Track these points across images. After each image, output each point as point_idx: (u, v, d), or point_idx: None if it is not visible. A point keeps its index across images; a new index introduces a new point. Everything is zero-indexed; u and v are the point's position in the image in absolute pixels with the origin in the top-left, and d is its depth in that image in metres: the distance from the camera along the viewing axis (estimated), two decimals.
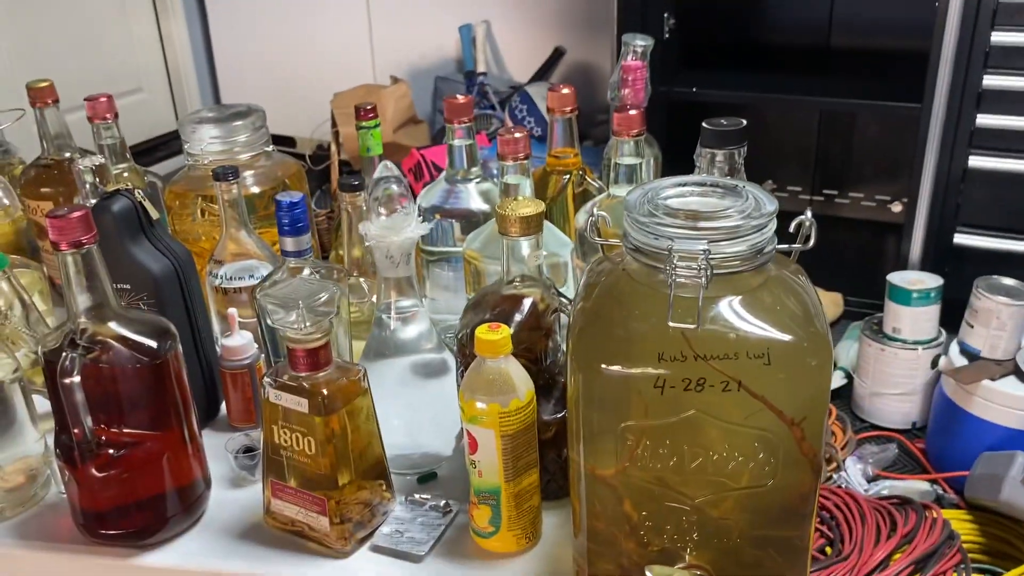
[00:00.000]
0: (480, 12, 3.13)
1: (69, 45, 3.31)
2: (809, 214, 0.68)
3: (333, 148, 2.61)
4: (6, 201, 1.03)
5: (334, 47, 3.46)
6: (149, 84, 3.68)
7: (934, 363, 1.89)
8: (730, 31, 2.60)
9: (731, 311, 0.65)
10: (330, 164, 2.56)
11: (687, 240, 0.64)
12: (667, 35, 2.19)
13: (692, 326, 0.63)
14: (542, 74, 3.03)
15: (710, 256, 0.63)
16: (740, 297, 0.65)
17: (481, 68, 3.08)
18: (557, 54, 3.03)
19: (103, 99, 1.15)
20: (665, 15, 2.17)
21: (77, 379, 0.76)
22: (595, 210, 0.73)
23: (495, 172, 1.16)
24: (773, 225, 0.66)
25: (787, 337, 0.64)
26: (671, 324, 0.63)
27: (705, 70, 2.38)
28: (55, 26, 3.28)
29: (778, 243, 0.67)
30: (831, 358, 0.66)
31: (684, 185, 0.70)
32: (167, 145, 3.67)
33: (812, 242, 0.68)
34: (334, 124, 2.78)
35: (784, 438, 0.66)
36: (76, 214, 0.75)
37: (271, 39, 3.59)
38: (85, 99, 1.15)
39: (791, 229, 0.68)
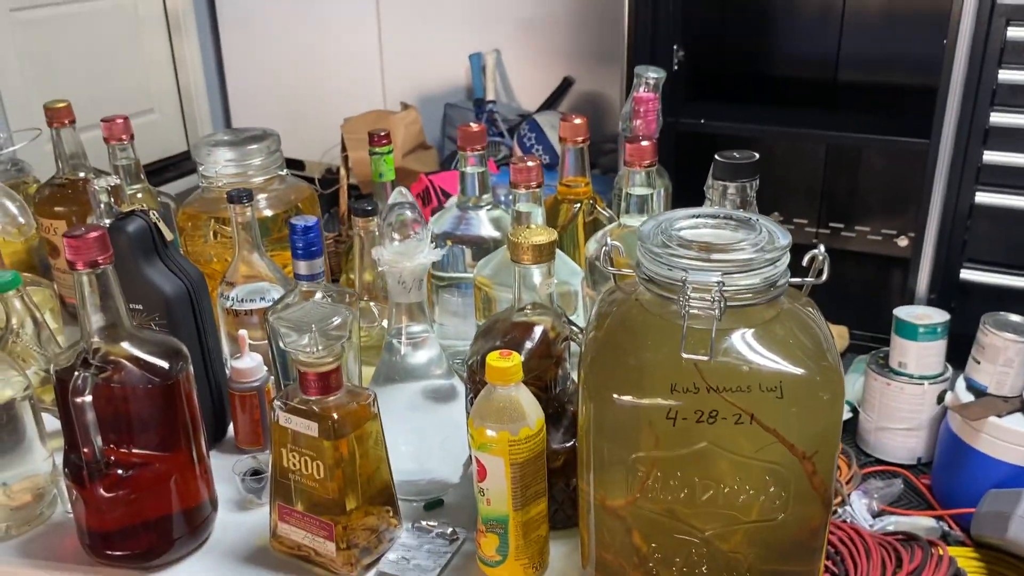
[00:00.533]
0: (491, 41, 3.16)
1: (83, 65, 3.34)
2: (822, 248, 0.68)
3: (342, 172, 2.62)
4: (21, 220, 1.03)
5: (345, 72, 3.50)
6: (161, 105, 3.71)
7: (940, 398, 1.88)
8: (739, 64, 2.62)
9: (744, 344, 0.65)
10: (339, 188, 2.57)
11: (701, 272, 0.64)
12: (676, 67, 2.21)
13: (705, 358, 0.63)
14: (551, 103, 3.06)
15: (724, 288, 0.63)
16: (753, 330, 0.66)
17: (491, 96, 3.10)
18: (566, 83, 3.06)
19: (119, 120, 1.17)
20: (674, 47, 2.19)
21: (89, 398, 0.76)
22: (608, 239, 0.73)
23: (503, 199, 1.17)
24: (786, 259, 0.67)
25: (799, 371, 0.65)
26: (684, 355, 0.63)
27: (713, 102, 2.40)
28: (70, 46, 3.32)
29: (790, 276, 0.67)
30: (843, 392, 0.66)
31: (698, 217, 0.70)
32: (177, 166, 3.70)
33: (825, 276, 0.68)
34: (344, 148, 2.80)
35: (795, 472, 0.66)
36: (93, 234, 0.76)
37: (283, 63, 3.63)
38: (102, 120, 1.16)
39: (804, 263, 0.69)
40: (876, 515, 1.74)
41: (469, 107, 3.15)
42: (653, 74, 1.11)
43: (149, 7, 3.62)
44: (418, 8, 3.28)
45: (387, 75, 3.44)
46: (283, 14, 3.56)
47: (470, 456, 0.92)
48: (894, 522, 1.72)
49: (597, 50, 3.02)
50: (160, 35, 3.67)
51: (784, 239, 0.66)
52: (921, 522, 1.72)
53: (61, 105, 1.23)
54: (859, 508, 1.73)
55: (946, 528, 1.71)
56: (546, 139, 2.81)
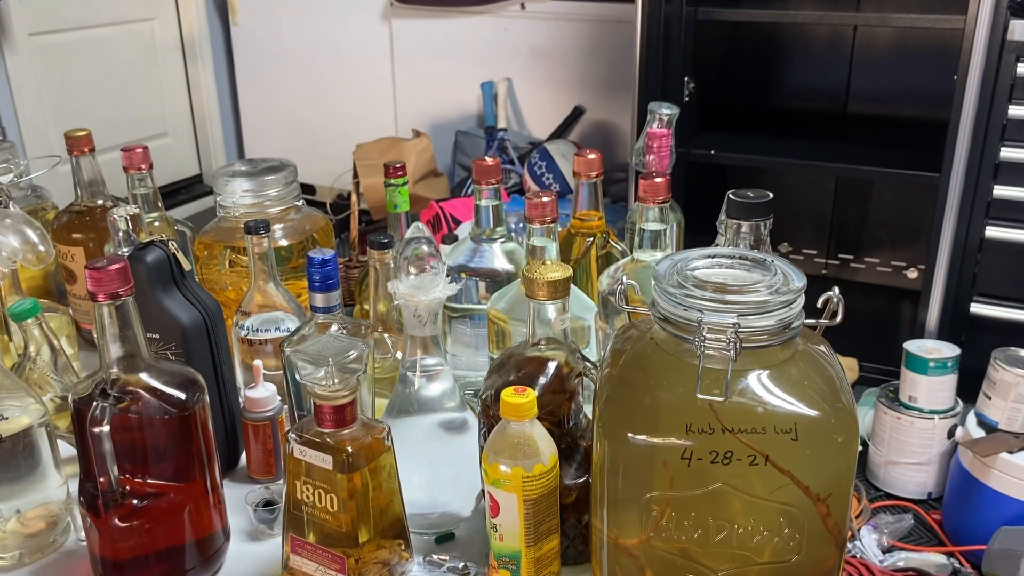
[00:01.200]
0: (502, 69, 3.20)
1: (99, 89, 3.38)
2: (837, 290, 0.69)
3: (353, 198, 2.64)
4: (41, 248, 1.04)
5: (358, 99, 3.53)
6: (175, 130, 3.75)
7: (951, 433, 1.87)
8: (749, 95, 2.64)
9: (759, 384, 0.66)
10: (350, 214, 2.59)
11: (716, 313, 0.65)
12: (687, 98, 2.23)
13: (720, 399, 0.64)
14: (561, 131, 3.08)
15: (739, 329, 0.63)
16: (768, 371, 0.66)
17: (502, 124, 3.13)
18: (577, 113, 3.08)
19: (139, 150, 1.18)
20: (685, 79, 2.21)
21: (107, 428, 0.77)
22: (624, 277, 0.74)
23: (513, 227, 1.18)
24: (801, 301, 0.67)
25: (814, 412, 0.65)
26: (699, 396, 0.64)
27: (723, 133, 2.42)
28: (87, 71, 3.36)
29: (804, 317, 0.68)
30: (857, 434, 0.67)
31: (713, 257, 0.71)
32: (189, 189, 3.73)
33: (840, 318, 0.68)
34: (355, 175, 2.82)
35: (809, 514, 0.66)
36: (115, 266, 0.77)
37: (296, 88, 3.67)
38: (122, 150, 1.17)
39: (819, 304, 0.69)
40: (886, 551, 1.73)
41: (480, 135, 3.17)
42: (667, 110, 1.12)
43: (165, 33, 3.66)
44: (431, 36, 3.32)
45: (399, 102, 3.48)
46: (297, 41, 3.60)
47: (482, 490, 0.92)
48: (904, 558, 1.70)
49: (608, 80, 3.05)
50: (176, 61, 3.72)
51: (799, 281, 0.67)
52: (932, 558, 1.71)
53: (81, 134, 1.25)
54: (869, 543, 1.72)
55: (957, 565, 1.70)
56: (556, 167, 2.83)
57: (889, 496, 1.98)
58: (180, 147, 3.79)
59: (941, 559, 1.71)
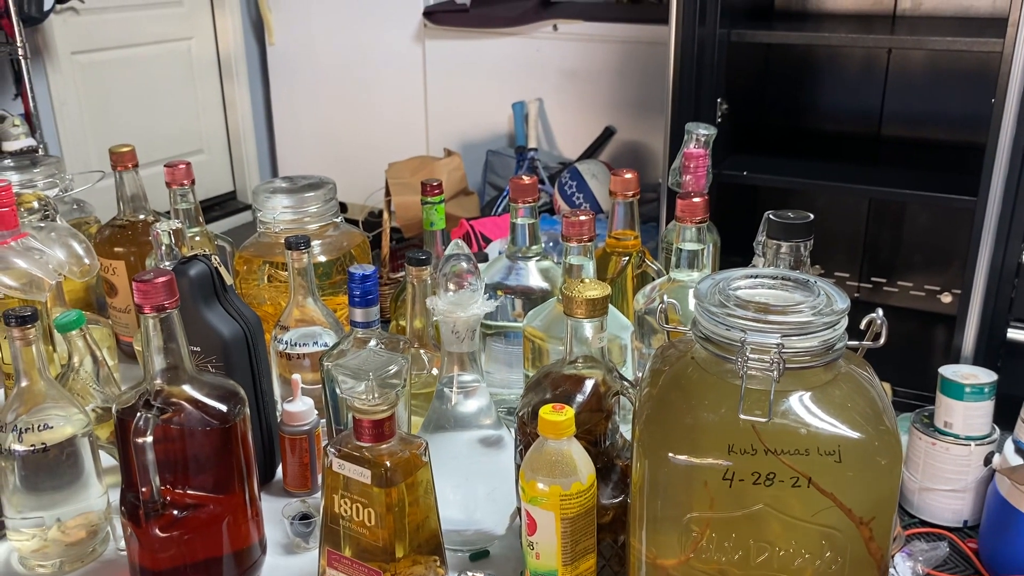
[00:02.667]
0: (534, 89, 3.22)
1: (138, 106, 3.45)
2: (880, 312, 0.69)
3: (385, 216, 2.67)
4: (87, 261, 1.07)
5: (390, 118, 3.57)
6: (210, 146, 3.81)
7: (987, 460, 1.84)
8: (782, 117, 2.64)
9: (801, 406, 0.65)
10: (382, 231, 2.61)
11: (759, 333, 0.65)
12: (720, 119, 2.23)
13: (763, 419, 0.64)
14: (592, 152, 3.09)
15: (783, 350, 0.63)
16: (811, 392, 0.66)
17: (532, 143, 3.15)
18: (607, 133, 3.09)
19: (182, 166, 1.20)
20: (718, 100, 2.21)
21: (150, 439, 0.78)
22: (664, 296, 0.74)
23: (545, 245, 1.18)
24: (844, 322, 0.67)
25: (857, 435, 0.64)
26: (742, 416, 0.64)
27: (756, 155, 2.41)
28: (126, 88, 3.43)
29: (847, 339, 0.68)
30: (901, 458, 0.66)
31: (756, 277, 0.71)
32: (223, 205, 3.78)
33: (883, 340, 0.68)
34: (388, 192, 2.85)
35: (852, 537, 0.66)
36: (161, 279, 0.78)
37: (330, 107, 3.71)
38: (165, 165, 1.20)
39: (862, 326, 0.69)
40: None
41: (511, 154, 3.19)
42: (704, 131, 1.13)
43: (202, 53, 3.73)
44: (463, 56, 3.35)
45: (431, 121, 3.51)
46: (331, 60, 3.66)
47: (517, 508, 0.92)
48: None
49: (639, 101, 3.06)
50: (212, 79, 3.78)
51: (843, 303, 0.67)
52: None
53: (125, 150, 1.27)
54: (903, 571, 1.69)
55: None
56: (587, 187, 2.83)
57: (924, 523, 1.95)
58: (215, 164, 3.85)
59: None
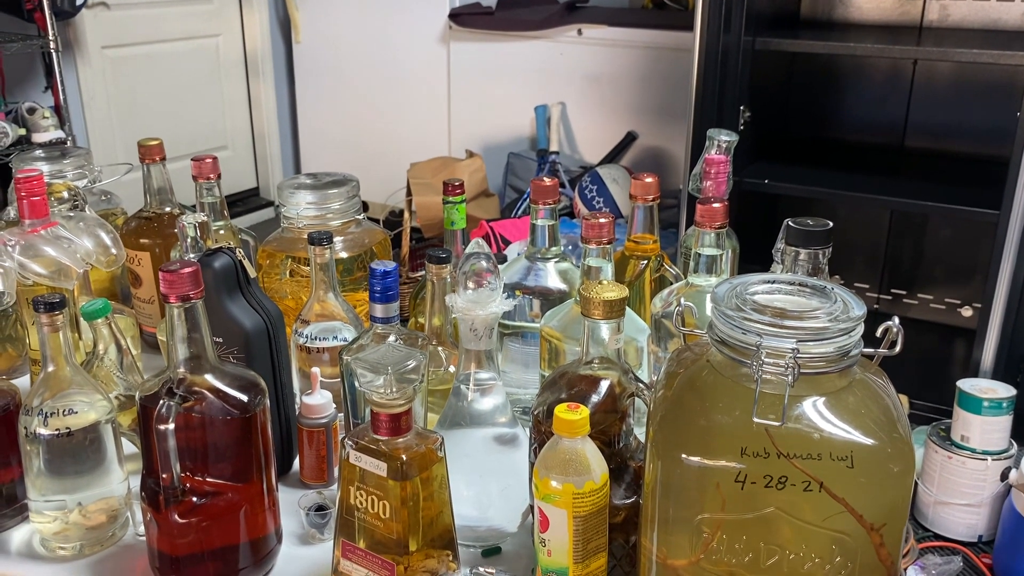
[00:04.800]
0: (556, 93, 3.23)
1: (165, 101, 3.49)
2: (896, 320, 0.69)
3: (406, 215, 2.68)
4: (114, 251, 1.09)
5: (413, 119, 3.59)
6: (235, 143, 3.85)
7: (1004, 475, 1.83)
8: (804, 126, 2.63)
9: (815, 411, 0.66)
10: (402, 230, 2.63)
11: (775, 337, 0.65)
12: (742, 127, 2.23)
13: (776, 423, 0.64)
14: (613, 156, 3.10)
15: (798, 355, 0.64)
16: (824, 398, 0.66)
17: (554, 147, 3.15)
18: (629, 138, 3.10)
19: (208, 160, 1.22)
20: (741, 107, 2.22)
21: (172, 426, 0.79)
22: (682, 299, 0.75)
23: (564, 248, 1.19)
24: (860, 329, 0.67)
25: (870, 441, 0.65)
26: (755, 420, 0.64)
27: (778, 163, 2.41)
28: (154, 83, 3.47)
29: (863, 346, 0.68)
30: (913, 465, 0.66)
31: (773, 283, 0.72)
32: (246, 201, 3.82)
33: (899, 348, 0.68)
34: (409, 192, 2.86)
35: (863, 543, 0.66)
36: (187, 270, 0.80)
37: (353, 107, 3.74)
38: (192, 159, 1.22)
39: (878, 334, 0.69)
40: None
41: (532, 157, 3.20)
42: (726, 137, 1.13)
43: (230, 50, 3.77)
44: (487, 59, 3.37)
45: (453, 123, 3.53)
46: (356, 61, 3.68)
47: (529, 506, 0.93)
48: None
49: (661, 107, 3.06)
50: (238, 77, 3.82)
51: (859, 309, 0.67)
52: None
53: (154, 143, 1.29)
54: None
55: None
56: (607, 192, 2.84)
57: (938, 537, 1.94)
58: (239, 160, 3.88)
59: None
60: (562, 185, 3.01)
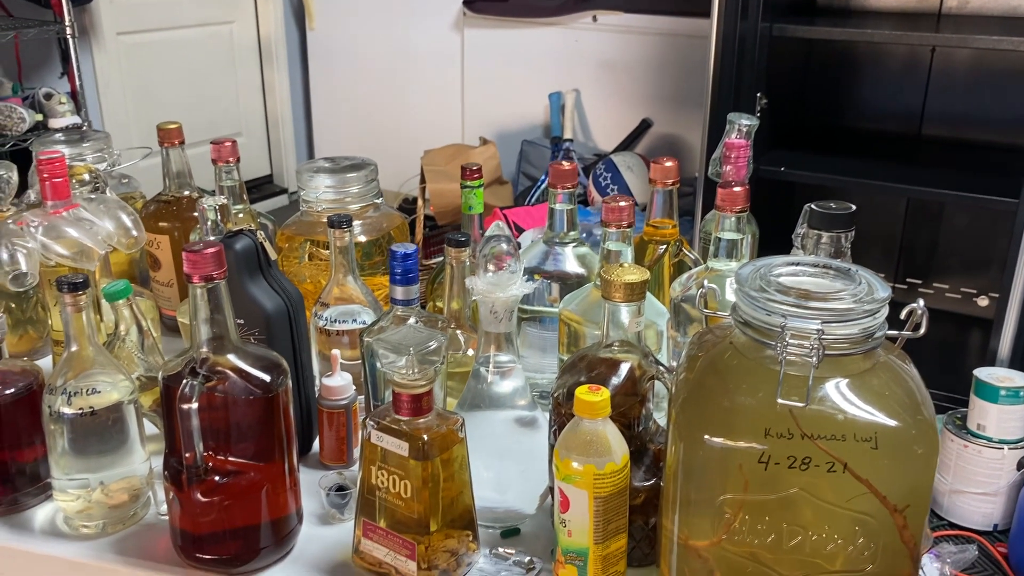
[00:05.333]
0: (571, 80, 3.22)
1: (179, 88, 3.50)
2: (921, 303, 0.69)
3: (419, 203, 2.68)
4: (135, 233, 1.09)
5: (426, 106, 3.59)
6: (249, 129, 3.85)
7: (1020, 465, 1.82)
8: (821, 114, 2.62)
9: (838, 393, 0.66)
10: (416, 218, 2.63)
11: (799, 319, 0.65)
12: (758, 114, 2.22)
13: (800, 404, 0.64)
14: (628, 144, 3.09)
15: (823, 336, 0.64)
16: (848, 379, 0.66)
17: (568, 134, 3.15)
18: (644, 125, 3.09)
19: (228, 143, 1.23)
20: (758, 95, 2.20)
21: (195, 406, 0.80)
22: (705, 282, 0.75)
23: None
24: (885, 311, 0.67)
25: (895, 423, 0.65)
26: (780, 401, 0.64)
27: (794, 151, 2.40)
28: (168, 69, 3.48)
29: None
30: (937, 448, 0.66)
31: (797, 264, 0.71)
32: (259, 188, 3.83)
33: (923, 331, 0.68)
34: (422, 180, 2.86)
35: (885, 524, 0.66)
36: (210, 250, 0.80)
37: (367, 94, 3.74)
38: (211, 142, 1.22)
39: (902, 316, 0.69)
40: None
41: (546, 144, 3.20)
42: (746, 121, 1.13)
43: (244, 37, 3.77)
44: (501, 46, 3.36)
45: (467, 110, 3.52)
46: (370, 48, 3.68)
47: (547, 488, 0.94)
48: None
49: (677, 94, 3.05)
50: (252, 64, 3.82)
51: (884, 291, 0.67)
52: None
53: (173, 126, 1.30)
54: (931, 572, 1.68)
55: None
56: (621, 179, 2.83)
57: (952, 526, 1.93)
58: (253, 147, 3.89)
59: None
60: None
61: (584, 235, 1.58)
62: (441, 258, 1.19)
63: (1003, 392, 1.82)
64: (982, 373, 1.90)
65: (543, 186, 3.00)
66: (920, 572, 1.70)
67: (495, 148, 3.11)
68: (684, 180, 2.90)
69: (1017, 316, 2.00)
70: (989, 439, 1.82)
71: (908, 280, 2.61)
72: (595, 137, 3.24)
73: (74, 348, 0.91)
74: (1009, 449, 1.81)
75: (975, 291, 2.54)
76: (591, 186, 2.91)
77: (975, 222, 2.51)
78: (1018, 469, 1.84)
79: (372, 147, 3.70)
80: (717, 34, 2.13)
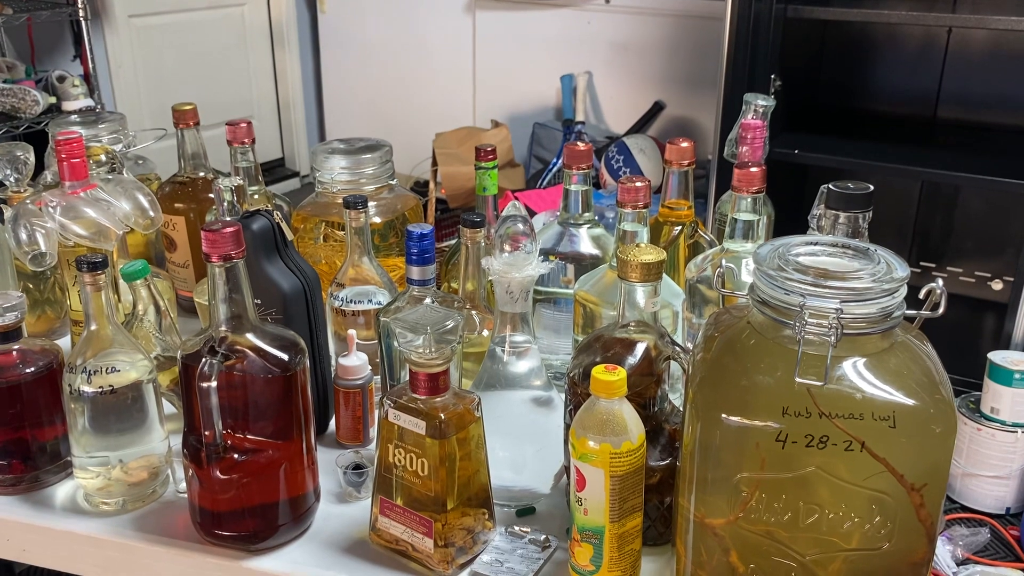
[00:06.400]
0: (583, 62, 3.20)
1: (191, 71, 3.50)
2: (940, 282, 0.69)
3: (431, 186, 2.68)
4: (152, 213, 1.10)
5: (438, 89, 3.58)
6: (260, 112, 3.86)
7: None
8: (835, 96, 2.60)
9: (856, 372, 0.66)
10: (427, 201, 2.63)
11: (818, 298, 0.65)
12: (773, 95, 2.20)
13: (819, 383, 0.64)
14: (640, 127, 3.07)
15: (841, 316, 0.64)
16: (866, 359, 0.66)
17: (580, 117, 3.14)
18: (656, 108, 3.07)
19: (243, 124, 1.23)
20: (772, 76, 2.19)
21: (214, 384, 0.81)
22: (723, 261, 0.75)
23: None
24: (903, 291, 0.67)
25: (912, 402, 0.65)
26: (798, 379, 0.64)
27: (808, 133, 2.39)
28: (180, 52, 3.48)
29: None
30: (955, 427, 0.66)
31: (816, 244, 0.71)
32: (271, 172, 3.83)
33: (942, 310, 0.68)
34: (434, 162, 2.86)
35: (902, 503, 0.66)
36: (229, 230, 0.81)
37: (378, 77, 3.73)
38: (227, 123, 1.22)
39: (921, 295, 0.69)
40: (960, 563, 1.69)
41: (558, 127, 3.19)
42: (762, 102, 1.12)
43: (255, 20, 3.77)
44: (513, 28, 3.35)
45: (479, 93, 3.51)
46: (381, 31, 3.67)
47: (562, 467, 0.94)
48: (980, 571, 1.66)
49: (690, 76, 3.03)
50: (264, 47, 3.82)
51: (903, 271, 0.67)
52: (1008, 574, 1.67)
53: (188, 108, 1.30)
54: (943, 554, 1.68)
55: None
56: (634, 162, 2.82)
57: (965, 509, 1.94)
58: (265, 130, 3.89)
59: (1018, 575, 1.67)
60: None
61: (597, 217, 1.58)
62: (453, 241, 1.19)
63: (1017, 375, 1.81)
64: (996, 356, 1.90)
65: (555, 169, 2.99)
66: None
67: (507, 131, 3.10)
68: (698, 163, 2.90)
69: None
70: (1003, 422, 1.82)
71: (922, 264, 2.60)
72: (607, 120, 3.23)
73: (93, 327, 0.92)
74: (1023, 432, 1.81)
75: (989, 275, 2.53)
76: (603, 169, 2.90)
77: (990, 205, 2.49)
78: None
79: (383, 130, 3.70)
80: (732, 15, 2.11)
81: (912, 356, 0.69)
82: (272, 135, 3.93)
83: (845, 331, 0.65)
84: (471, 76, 3.49)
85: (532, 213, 2.60)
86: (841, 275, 0.66)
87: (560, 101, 3.25)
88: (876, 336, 0.67)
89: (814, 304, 0.64)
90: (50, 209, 1.01)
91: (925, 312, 0.69)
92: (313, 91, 3.98)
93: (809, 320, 0.64)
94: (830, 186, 0.88)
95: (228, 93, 3.68)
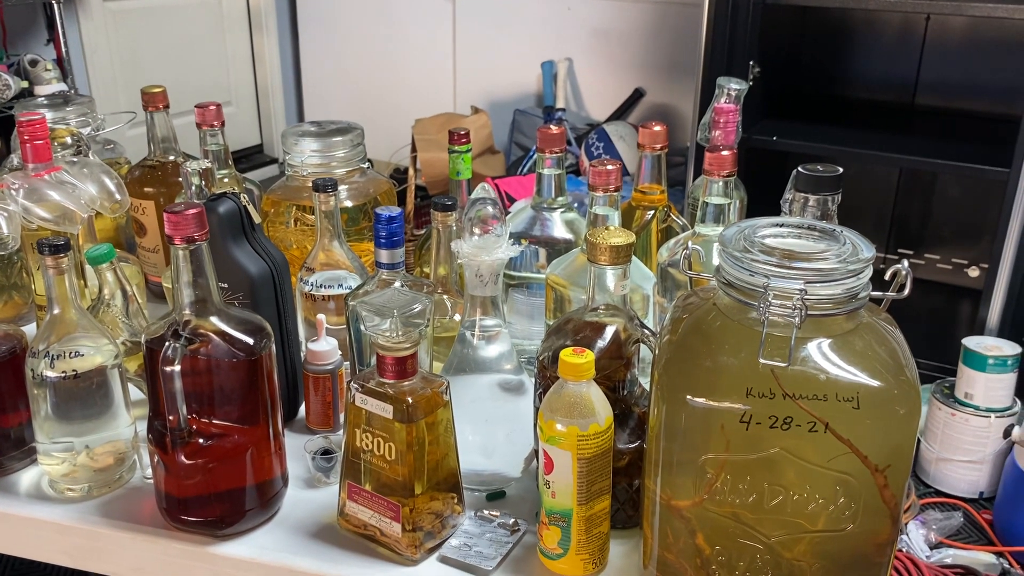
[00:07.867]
0: (563, 49, 3.19)
1: (167, 57, 3.46)
2: (906, 264, 0.69)
3: (411, 172, 2.67)
4: (118, 196, 1.08)
5: (418, 74, 3.55)
6: (238, 99, 3.82)
7: (1007, 432, 1.84)
8: (814, 83, 2.61)
9: (820, 353, 0.66)
10: (407, 188, 2.61)
11: (783, 279, 0.65)
12: (751, 82, 2.20)
13: (783, 364, 0.64)
14: (620, 113, 3.07)
15: (805, 297, 0.63)
16: (831, 340, 0.66)
17: (560, 104, 3.13)
18: (636, 95, 3.07)
19: (212, 107, 1.21)
20: (751, 63, 2.19)
21: (178, 368, 0.80)
22: (690, 244, 0.74)
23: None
24: (869, 271, 0.67)
25: (877, 383, 0.65)
26: (762, 361, 0.64)
27: (786, 120, 2.39)
28: (156, 38, 3.43)
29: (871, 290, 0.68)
30: (919, 409, 0.66)
31: (781, 226, 0.71)
32: (250, 158, 3.80)
33: (907, 291, 0.68)
34: (413, 149, 2.84)
35: (866, 484, 0.66)
36: (191, 211, 0.80)
37: (357, 63, 3.70)
38: (196, 106, 1.20)
39: (887, 277, 0.69)
40: (933, 547, 1.71)
41: (538, 114, 3.18)
42: (735, 85, 1.12)
43: (233, 4, 3.72)
44: (493, 14, 3.33)
45: (459, 79, 3.49)
46: (361, 16, 3.64)
47: (532, 451, 0.94)
48: (952, 555, 1.68)
49: (670, 63, 3.02)
50: (242, 32, 3.78)
51: (868, 252, 0.67)
52: (980, 557, 1.69)
53: (157, 90, 1.28)
54: (916, 538, 1.70)
55: (1006, 565, 1.67)
56: (614, 149, 2.82)
57: (939, 493, 1.95)
58: (243, 116, 3.85)
59: (990, 558, 1.68)
60: (568, 143, 2.98)
61: (576, 204, 1.58)
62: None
63: (991, 361, 1.83)
64: (970, 342, 1.91)
65: (535, 156, 2.98)
66: (905, 539, 1.72)
67: (487, 117, 3.09)
68: (676, 150, 2.89)
69: (1007, 286, 2.01)
70: (976, 407, 1.84)
71: (900, 251, 2.61)
72: (587, 106, 3.22)
73: (56, 311, 0.91)
74: (996, 417, 1.83)
75: (966, 262, 2.55)
76: (583, 156, 2.90)
77: (967, 193, 2.50)
78: (1004, 437, 1.86)
79: (363, 116, 3.67)
80: (710, 1, 2.11)
81: (878, 338, 0.69)
82: (250, 121, 3.89)
83: (810, 312, 0.64)
84: (451, 63, 3.47)
85: (512, 200, 2.59)
86: (806, 256, 0.66)
87: (540, 88, 3.24)
88: (841, 317, 0.67)
89: (778, 285, 0.64)
90: (12, 192, 1.00)
91: (891, 293, 0.69)
92: (292, 77, 3.95)
93: (773, 301, 0.64)
94: (800, 169, 0.88)
95: (205, 79, 3.64)
